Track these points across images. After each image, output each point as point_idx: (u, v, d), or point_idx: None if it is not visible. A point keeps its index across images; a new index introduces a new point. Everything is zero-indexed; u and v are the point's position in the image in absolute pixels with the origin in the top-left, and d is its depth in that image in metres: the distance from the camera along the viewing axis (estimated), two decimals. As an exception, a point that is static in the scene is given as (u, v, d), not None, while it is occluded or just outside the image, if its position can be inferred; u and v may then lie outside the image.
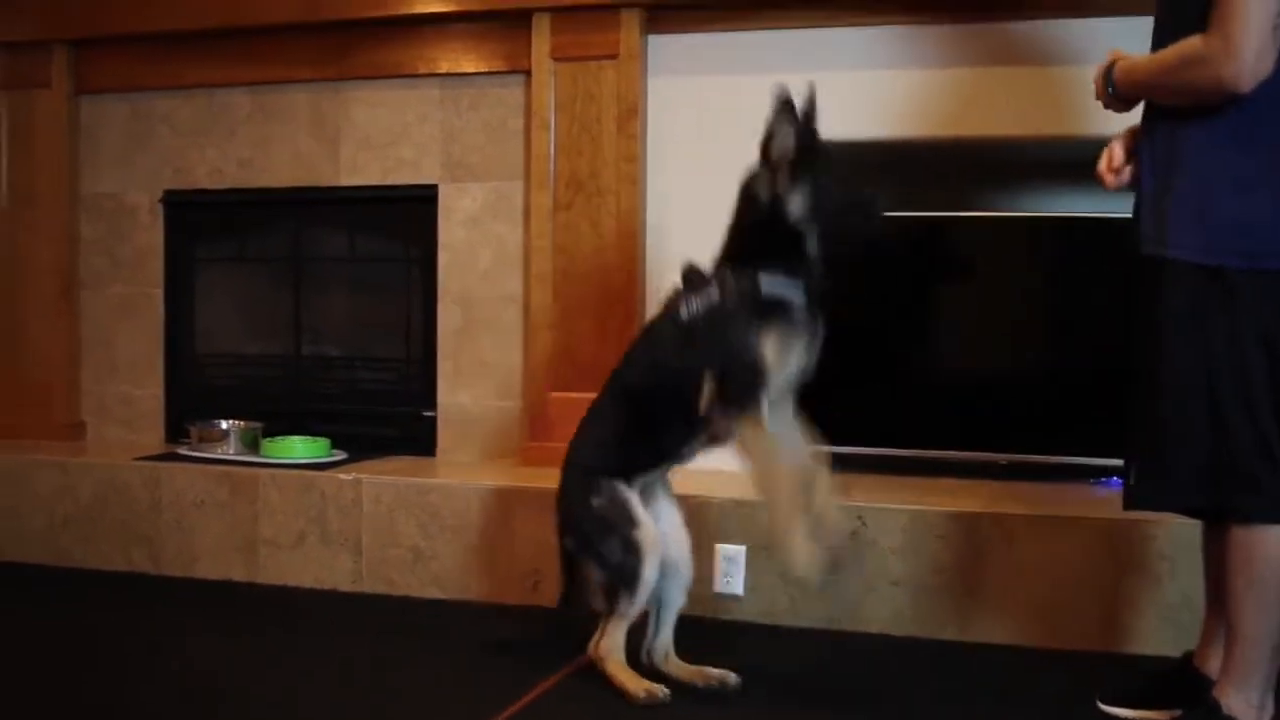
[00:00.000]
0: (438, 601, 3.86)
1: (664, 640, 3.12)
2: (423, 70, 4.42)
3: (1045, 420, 4.06)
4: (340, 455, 4.32)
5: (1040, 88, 3.85)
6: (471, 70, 4.37)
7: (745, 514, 3.57)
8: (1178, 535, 3.25)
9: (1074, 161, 4.23)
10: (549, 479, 3.85)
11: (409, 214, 4.52)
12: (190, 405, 4.73)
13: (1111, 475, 3.83)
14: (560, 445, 4.09)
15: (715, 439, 2.95)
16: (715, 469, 3.16)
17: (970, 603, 3.48)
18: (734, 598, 3.61)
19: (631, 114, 4.13)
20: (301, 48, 4.52)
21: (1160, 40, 2.58)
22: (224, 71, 4.63)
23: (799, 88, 2.87)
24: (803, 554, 2.78)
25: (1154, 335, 2.56)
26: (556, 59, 4.19)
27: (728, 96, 4.06)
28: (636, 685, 2.95)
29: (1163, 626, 3.32)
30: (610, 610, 2.99)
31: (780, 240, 2.89)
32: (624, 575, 2.95)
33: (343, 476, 4.03)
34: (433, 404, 4.49)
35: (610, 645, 3.00)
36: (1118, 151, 2.72)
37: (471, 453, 4.42)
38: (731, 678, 3.02)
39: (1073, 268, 4.07)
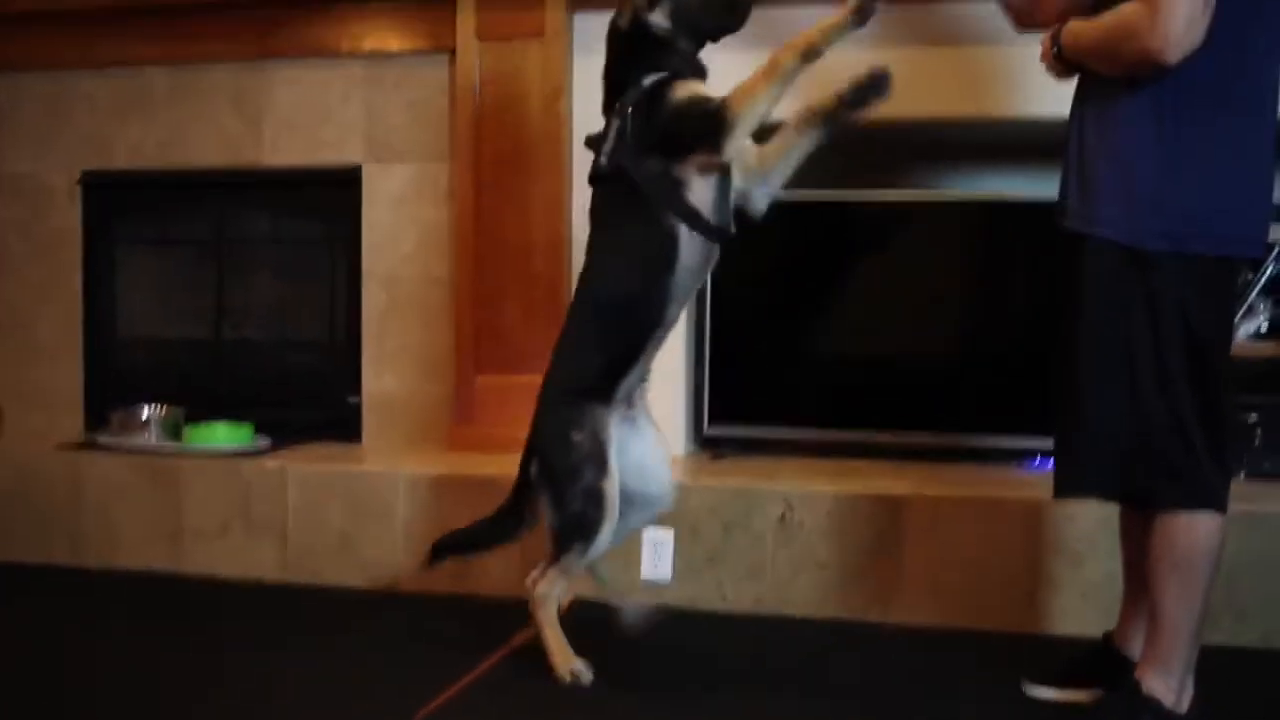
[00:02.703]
0: (364, 591, 3.83)
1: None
2: (346, 49, 4.37)
3: (968, 403, 4.10)
4: (264, 441, 4.27)
5: (966, 68, 3.86)
6: (396, 49, 4.33)
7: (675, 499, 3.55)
8: (1098, 516, 3.28)
9: (999, 143, 4.27)
10: (477, 465, 3.86)
11: (332, 195, 4.48)
12: (111, 391, 4.66)
13: (1034, 457, 3.87)
14: (488, 429, 4.12)
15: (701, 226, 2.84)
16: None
17: (895, 585, 3.50)
18: (661, 583, 3.61)
19: (557, 94, 4.10)
20: (224, 25, 4.45)
21: (1099, 9, 2.54)
22: (145, 49, 4.55)
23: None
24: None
25: (1075, 314, 2.56)
26: (481, 38, 4.15)
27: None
28: (564, 660, 2.91)
29: (1084, 606, 3.36)
30: (556, 558, 2.91)
31: (651, 50, 2.92)
32: (582, 527, 2.85)
33: (267, 463, 3.99)
34: (358, 388, 4.45)
35: (547, 592, 2.93)
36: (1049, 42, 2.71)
37: (398, 438, 4.39)
38: (651, 610, 3.10)
39: (997, 249, 4.09)
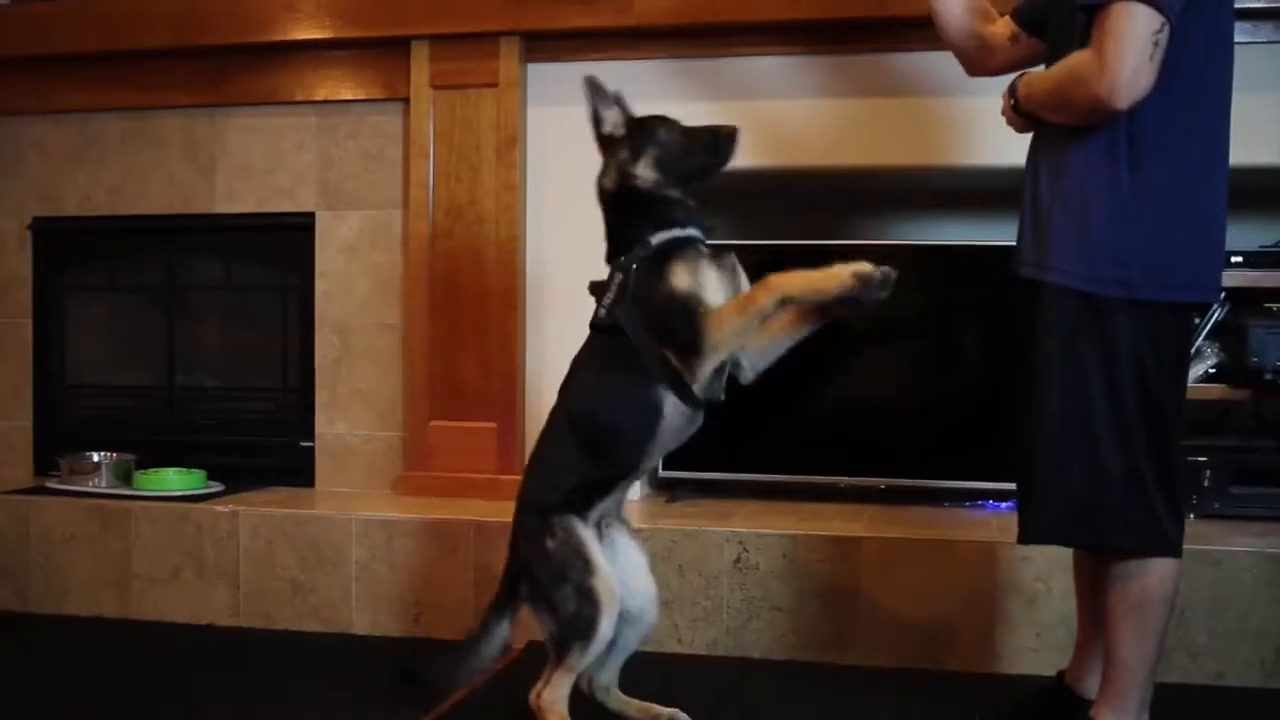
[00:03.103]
0: (317, 635, 3.80)
1: (608, 676, 2.97)
2: (300, 97, 4.37)
3: (922, 445, 4.12)
4: (216, 487, 4.24)
5: (918, 118, 3.91)
6: (350, 98, 4.33)
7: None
8: (1052, 557, 3.30)
9: (950, 190, 4.33)
10: (429, 509, 3.84)
11: (286, 242, 4.46)
12: (61, 437, 4.60)
13: (987, 499, 3.90)
14: (440, 474, 4.11)
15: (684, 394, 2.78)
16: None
17: (850, 626, 3.50)
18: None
19: (511, 142, 4.13)
20: (177, 73, 4.44)
21: (1053, 60, 2.57)
22: (97, 96, 4.53)
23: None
24: None
25: (1030, 362, 2.57)
26: (435, 87, 4.17)
27: (608, 125, 4.07)
28: None
29: (1039, 646, 3.38)
30: (558, 661, 2.78)
31: (646, 204, 2.84)
32: (578, 627, 2.73)
33: (219, 508, 3.95)
34: (310, 434, 4.42)
35: (554, 697, 2.78)
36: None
37: (350, 483, 4.36)
38: (681, 717, 2.91)
39: (949, 295, 4.13)
